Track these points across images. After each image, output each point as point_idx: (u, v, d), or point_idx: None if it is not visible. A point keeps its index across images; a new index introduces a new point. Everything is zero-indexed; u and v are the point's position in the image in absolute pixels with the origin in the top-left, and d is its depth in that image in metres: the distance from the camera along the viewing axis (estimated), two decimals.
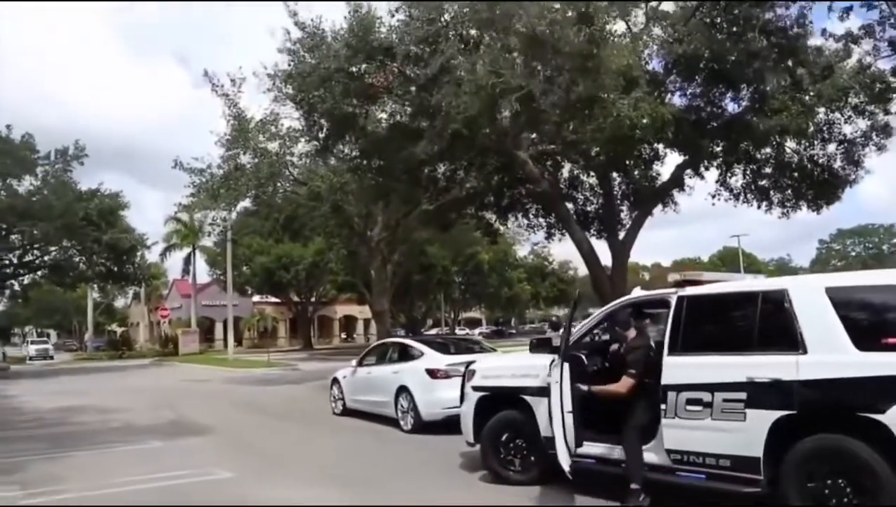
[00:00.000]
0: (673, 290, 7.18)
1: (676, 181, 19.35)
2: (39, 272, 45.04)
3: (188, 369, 36.99)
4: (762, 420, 6.12)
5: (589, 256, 18.34)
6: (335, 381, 15.75)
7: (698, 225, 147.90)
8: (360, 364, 15.03)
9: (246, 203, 28.00)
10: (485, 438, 8.43)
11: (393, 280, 30.36)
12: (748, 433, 6.22)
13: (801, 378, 5.95)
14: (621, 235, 19.69)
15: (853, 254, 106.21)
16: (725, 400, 6.38)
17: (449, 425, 11.41)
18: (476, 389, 8.68)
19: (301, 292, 62.19)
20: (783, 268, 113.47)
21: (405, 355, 13.79)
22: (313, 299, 65.62)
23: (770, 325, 6.44)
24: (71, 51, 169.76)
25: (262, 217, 43.65)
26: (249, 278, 56.13)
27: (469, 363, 9.36)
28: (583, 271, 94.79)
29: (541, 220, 23.79)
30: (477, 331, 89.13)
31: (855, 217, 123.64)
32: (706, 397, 6.51)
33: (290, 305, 65.83)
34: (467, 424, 8.78)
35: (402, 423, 12.76)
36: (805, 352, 6.02)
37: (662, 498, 6.91)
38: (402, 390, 12.74)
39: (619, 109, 12.95)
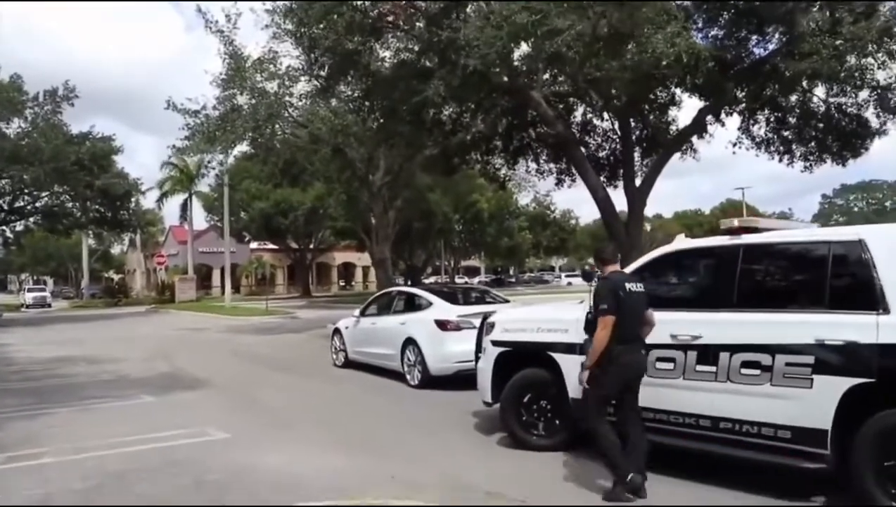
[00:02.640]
0: (727, 238, 6.34)
1: (698, 126, 18.27)
2: (31, 218, 43.99)
3: (185, 317, 36.41)
4: (832, 388, 5.33)
5: (604, 203, 17.41)
6: (336, 331, 15.03)
7: (695, 177, 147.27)
8: (363, 314, 14.27)
9: (243, 147, 26.92)
10: (505, 398, 7.64)
11: (394, 227, 29.51)
12: (815, 403, 5.44)
13: (882, 341, 5.13)
14: (637, 182, 18.74)
15: (855, 209, 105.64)
16: (789, 364, 5.58)
17: (459, 380, 10.77)
18: (496, 344, 7.87)
19: (299, 238, 61.41)
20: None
21: (412, 304, 13.00)
22: (312, 246, 64.86)
23: (843, 279, 5.64)
24: None
25: (260, 161, 42.49)
26: (247, 224, 55.32)
27: (486, 315, 8.55)
28: (585, 220, 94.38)
29: (551, 165, 22.80)
30: (476, 280, 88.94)
31: (857, 174, 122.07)
32: (765, 359, 5.71)
33: (289, 251, 65.16)
34: (485, 382, 8.00)
35: (408, 377, 12.04)
36: (887, 312, 5.20)
37: (708, 469, 6.17)
38: (409, 342, 11.98)
39: (654, 45, 11.85)
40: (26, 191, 39.37)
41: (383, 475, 6.61)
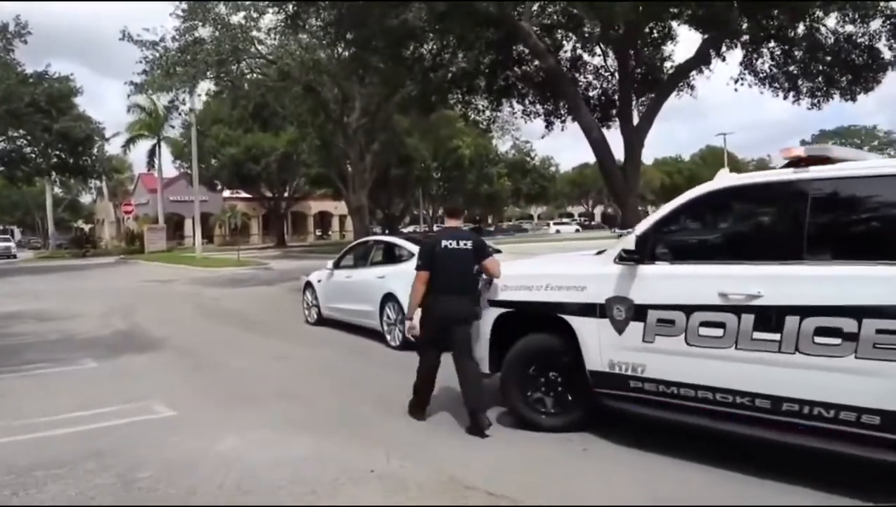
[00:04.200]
0: (790, 171, 5.00)
1: (700, 59, 16.87)
2: None
3: (152, 268, 34.81)
4: None
5: (599, 144, 16.00)
6: (308, 285, 13.64)
7: (671, 124, 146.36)
8: (337, 266, 12.88)
9: (210, 85, 25.13)
10: (507, 368, 6.37)
11: (371, 173, 27.94)
12: None
13: None
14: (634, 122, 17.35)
15: None
16: (881, 331, 4.32)
17: None
18: (494, 303, 6.54)
19: (273, 186, 59.50)
20: (765, 169, 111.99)
21: (391, 255, 11.66)
22: (286, 195, 62.97)
23: None
24: None
25: (228, 103, 40.49)
26: (217, 171, 53.11)
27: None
28: (565, 167, 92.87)
29: (538, 107, 21.33)
30: None
31: (837, 119, 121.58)
32: (849, 325, 4.44)
33: (263, 200, 63.30)
34: (481, 349, 6.67)
35: (388, 337, 10.72)
36: None
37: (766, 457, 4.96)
38: (389, 298, 10.62)
39: None
40: None
41: (360, 469, 5.31)
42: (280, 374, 9.12)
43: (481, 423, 6.11)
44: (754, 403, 4.89)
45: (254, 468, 5.36)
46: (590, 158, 17.68)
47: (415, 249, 10.83)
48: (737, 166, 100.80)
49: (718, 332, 5.02)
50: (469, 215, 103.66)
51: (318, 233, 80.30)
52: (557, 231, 78.59)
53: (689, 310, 5.16)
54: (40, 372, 9.55)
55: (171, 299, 19.85)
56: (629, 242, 5.48)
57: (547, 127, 21.36)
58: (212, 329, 13.64)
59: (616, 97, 20.30)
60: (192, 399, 7.67)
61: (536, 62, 20.16)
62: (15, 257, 54.55)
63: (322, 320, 13.11)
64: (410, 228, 73.31)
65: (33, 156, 40.12)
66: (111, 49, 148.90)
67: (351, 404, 7.40)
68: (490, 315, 6.56)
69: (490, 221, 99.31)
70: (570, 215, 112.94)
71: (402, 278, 10.41)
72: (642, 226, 5.65)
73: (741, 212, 5.59)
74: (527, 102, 21.40)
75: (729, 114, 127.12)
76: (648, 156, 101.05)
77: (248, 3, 20.69)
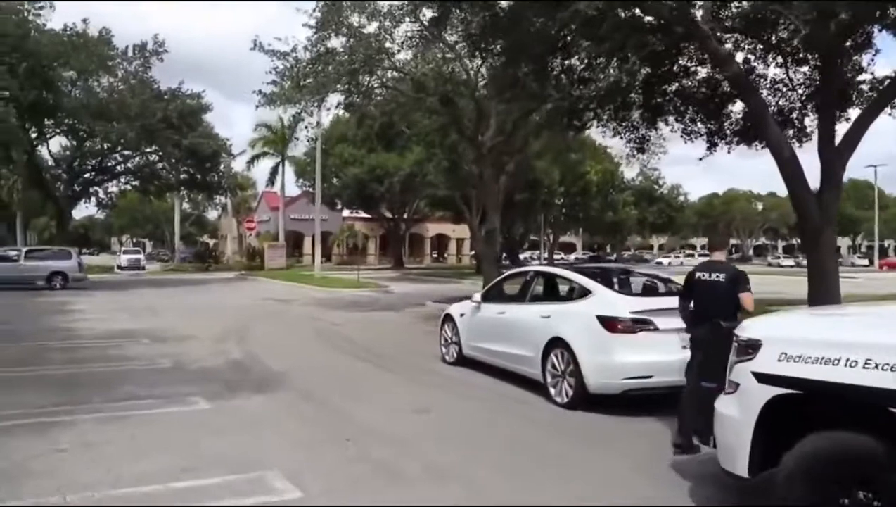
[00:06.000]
0: None
1: None
2: (123, 179, 42.61)
3: (271, 286, 34.25)
4: None
5: (790, 165, 13.42)
6: (448, 319, 11.78)
7: (801, 157, 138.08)
8: (485, 299, 10.91)
9: (339, 98, 23.88)
10: (787, 477, 4.24)
11: (503, 195, 26.05)
12: None
13: None
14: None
15: None
16: None
17: (624, 400, 7.73)
18: (765, 379, 4.41)
19: (394, 207, 58.60)
20: None
21: (557, 291, 9.67)
22: (406, 216, 62.06)
23: None
24: None
25: (354, 124, 39.77)
26: (339, 191, 52.54)
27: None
28: (694, 196, 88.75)
29: (699, 125, 18.90)
30: (573, 256, 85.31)
31: None
32: None
33: (382, 221, 62.65)
34: (736, 441, 4.59)
35: (552, 391, 8.61)
36: None
37: None
38: (557, 343, 8.52)
39: None
40: (115, 150, 37.92)
41: None
42: (424, 435, 7.21)
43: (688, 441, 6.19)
44: None
45: None
46: (719, 188, 15.28)
47: (588, 283, 8.86)
48: (886, 203, 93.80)
49: None
50: (587, 243, 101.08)
51: (435, 255, 79.46)
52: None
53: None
54: (141, 413, 7.98)
55: (290, 323, 18.55)
56: None
57: (709, 149, 18.87)
58: (336, 364, 11.98)
59: (794, 116, 17.76)
60: (319, 471, 5.85)
61: (700, 75, 17.95)
62: (143, 268, 55.71)
63: (462, 360, 11.23)
64: (527, 254, 71.39)
65: (164, 171, 40.79)
66: (242, 73, 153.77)
67: (530, 490, 5.43)
68: (755, 396, 4.45)
69: (609, 249, 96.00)
70: (693, 247, 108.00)
71: (574, 320, 8.45)
72: None
73: None
74: (686, 119, 19.02)
75: (873, 143, 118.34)
76: (780, 189, 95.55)
77: (385, 4, 19.30)
